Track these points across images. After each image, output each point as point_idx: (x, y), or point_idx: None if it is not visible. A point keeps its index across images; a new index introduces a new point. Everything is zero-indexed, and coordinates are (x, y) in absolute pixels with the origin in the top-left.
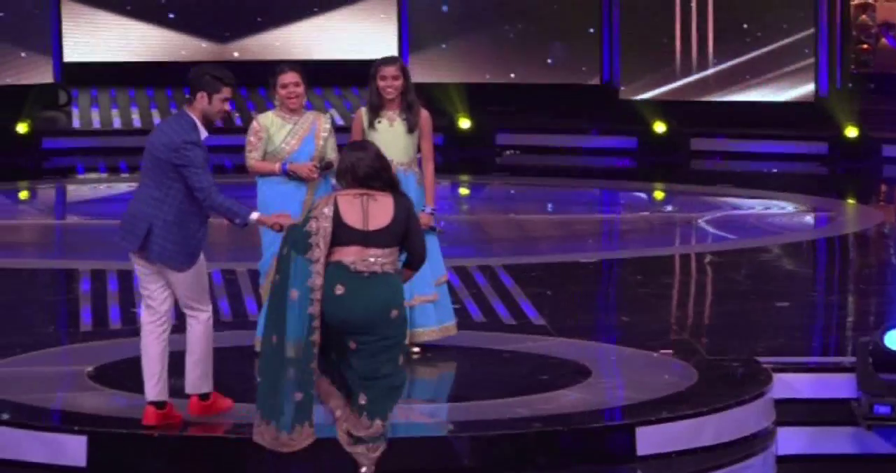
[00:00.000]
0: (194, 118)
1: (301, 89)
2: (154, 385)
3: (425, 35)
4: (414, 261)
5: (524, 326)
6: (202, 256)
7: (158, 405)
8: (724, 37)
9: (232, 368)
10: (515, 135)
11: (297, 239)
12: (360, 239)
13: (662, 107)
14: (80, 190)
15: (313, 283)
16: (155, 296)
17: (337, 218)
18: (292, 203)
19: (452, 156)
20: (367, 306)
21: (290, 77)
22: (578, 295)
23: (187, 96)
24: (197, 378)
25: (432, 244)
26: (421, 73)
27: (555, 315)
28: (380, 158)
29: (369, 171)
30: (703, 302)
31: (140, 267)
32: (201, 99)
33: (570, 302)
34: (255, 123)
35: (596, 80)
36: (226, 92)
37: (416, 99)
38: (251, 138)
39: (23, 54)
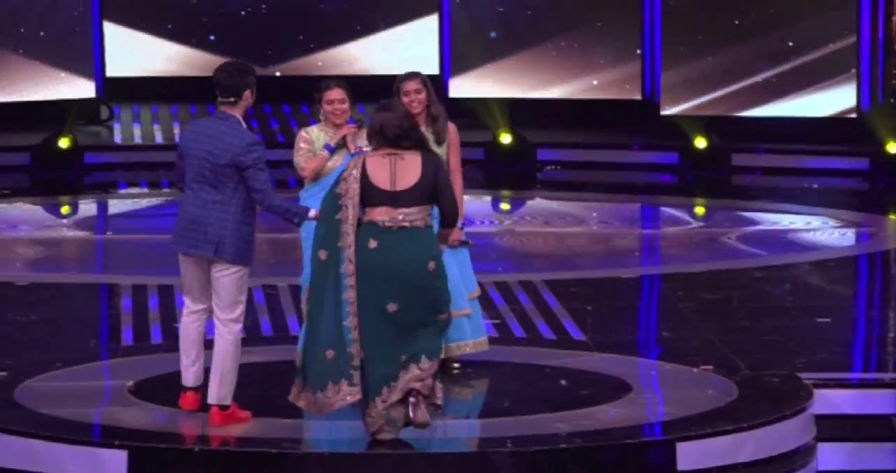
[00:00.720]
0: (240, 118)
1: (346, 105)
2: (194, 370)
3: (467, 52)
4: (447, 218)
5: (565, 341)
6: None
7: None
8: (765, 51)
9: (267, 383)
10: (556, 150)
11: (328, 202)
12: (388, 199)
13: (703, 123)
14: (122, 204)
15: (344, 242)
16: (200, 298)
17: (365, 179)
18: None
19: (494, 171)
20: (404, 257)
21: (336, 93)
22: (619, 311)
23: (223, 99)
24: (222, 389)
25: (464, 258)
26: (462, 89)
27: (595, 330)
28: (408, 118)
29: (398, 132)
30: (744, 317)
31: (193, 272)
32: (248, 97)
33: (610, 317)
34: (302, 132)
35: (637, 96)
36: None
37: (443, 111)
38: (301, 145)
39: (62, 74)
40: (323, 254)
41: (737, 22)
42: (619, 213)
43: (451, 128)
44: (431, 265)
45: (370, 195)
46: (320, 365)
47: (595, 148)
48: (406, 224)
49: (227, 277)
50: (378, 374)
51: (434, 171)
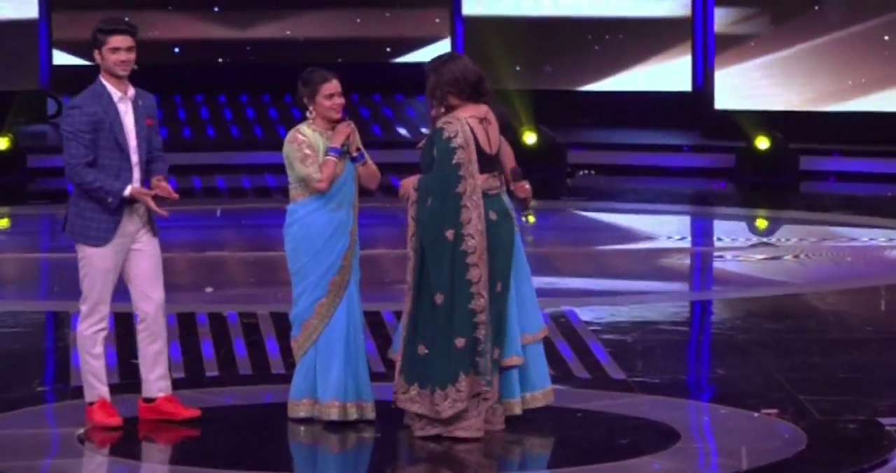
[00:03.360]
0: (102, 80)
1: (343, 99)
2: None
3: (485, 34)
4: (513, 173)
5: (600, 380)
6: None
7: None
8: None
9: (247, 430)
10: (590, 152)
11: (445, 174)
12: (489, 164)
13: (765, 119)
14: None
15: (465, 216)
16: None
17: (476, 144)
18: (343, 234)
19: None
20: (510, 227)
21: (334, 86)
22: (665, 343)
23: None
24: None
25: (523, 284)
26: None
27: (637, 366)
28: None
29: (480, 76)
30: (815, 351)
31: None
32: (97, 57)
33: (654, 350)
34: (299, 135)
35: (686, 87)
36: (114, 41)
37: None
38: (306, 151)
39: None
40: (451, 234)
41: (816, 7)
42: (665, 227)
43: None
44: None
45: (479, 162)
46: (449, 354)
47: (636, 149)
48: (502, 189)
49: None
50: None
51: (503, 128)
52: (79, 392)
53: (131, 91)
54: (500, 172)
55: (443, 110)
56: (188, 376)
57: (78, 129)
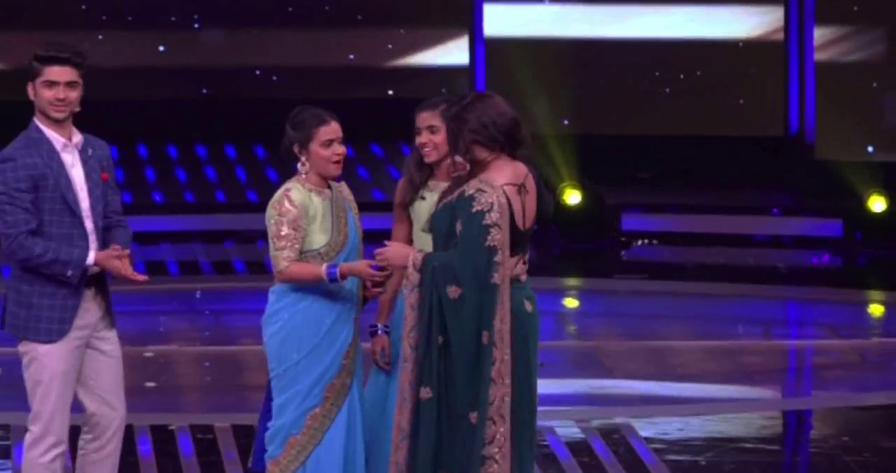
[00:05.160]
0: (37, 124)
1: (345, 148)
2: None
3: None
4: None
5: None
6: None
7: None
8: None
9: None
10: (650, 215)
11: (482, 264)
12: (521, 245)
13: (881, 173)
14: None
15: (498, 317)
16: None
17: (511, 219)
18: (345, 324)
19: (554, 247)
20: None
21: (333, 130)
22: (750, 466)
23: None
24: None
25: None
26: None
27: None
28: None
29: (517, 121)
30: None
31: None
32: (30, 92)
33: None
34: (286, 203)
35: (777, 131)
36: (50, 72)
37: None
38: (287, 230)
39: None
40: (486, 337)
41: None
42: (749, 314)
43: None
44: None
45: (510, 241)
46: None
47: (709, 212)
48: (526, 275)
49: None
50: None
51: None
52: None
53: (77, 137)
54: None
55: (468, 166)
56: None
57: (14, 189)
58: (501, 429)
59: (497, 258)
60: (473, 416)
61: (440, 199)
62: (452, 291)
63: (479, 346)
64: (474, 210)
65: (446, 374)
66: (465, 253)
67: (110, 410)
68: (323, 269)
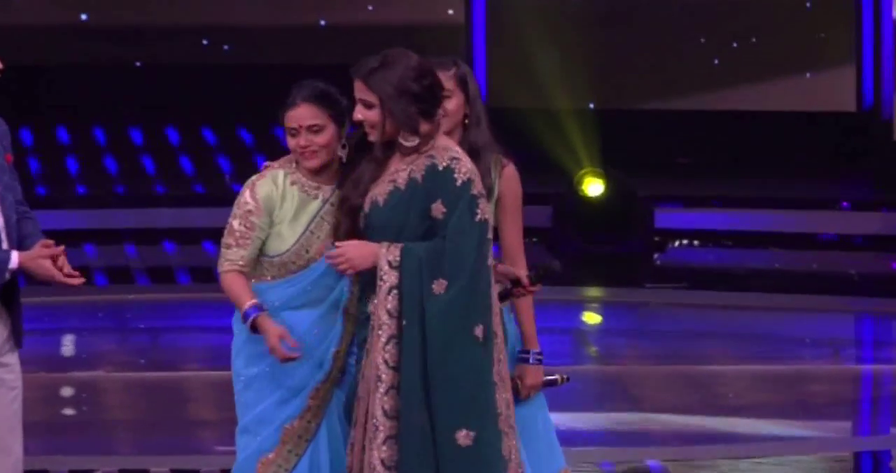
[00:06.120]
0: None
1: (325, 138)
2: None
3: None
4: None
5: None
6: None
7: None
8: None
9: None
10: (690, 211)
11: (462, 249)
12: None
13: None
14: None
15: (493, 304)
16: None
17: None
18: (309, 356)
19: (570, 249)
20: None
21: (299, 115)
22: None
23: None
24: None
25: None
26: (505, 92)
27: None
28: None
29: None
30: None
31: None
32: None
33: None
34: (246, 193)
35: (848, 106)
36: None
37: (491, 139)
38: (237, 226)
39: None
40: (480, 331)
41: None
42: (813, 331)
43: (509, 172)
44: None
45: None
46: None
47: (763, 206)
48: None
49: None
50: None
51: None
52: None
53: None
54: None
55: (417, 141)
56: None
57: None
58: (514, 442)
59: (489, 234)
60: (464, 436)
61: (355, 190)
62: (437, 285)
63: (474, 345)
64: (459, 182)
65: (437, 391)
66: (461, 236)
67: (2, 453)
68: (246, 303)
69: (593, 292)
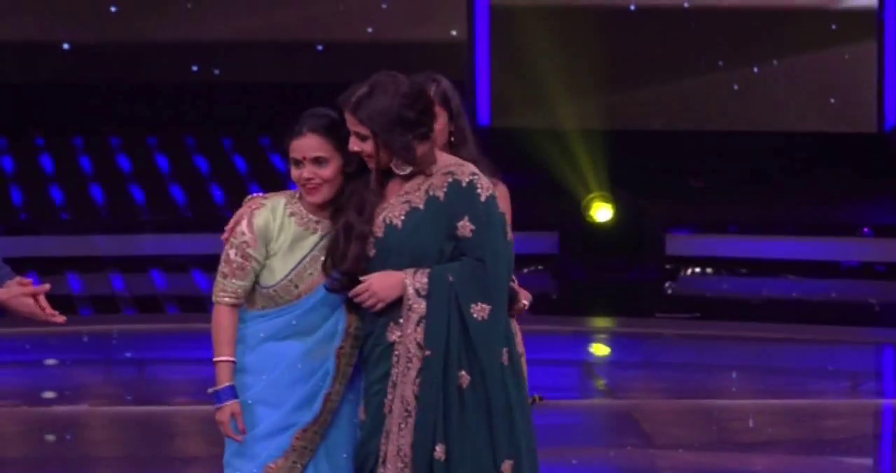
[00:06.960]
0: None
1: (330, 171)
2: None
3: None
4: None
5: None
6: None
7: None
8: None
9: None
10: (703, 236)
11: (500, 271)
12: None
13: None
14: None
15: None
16: None
17: None
18: (314, 371)
19: (578, 277)
20: None
21: (303, 146)
22: None
23: None
24: None
25: None
26: (507, 114)
27: None
28: None
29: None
30: None
31: None
32: None
33: None
34: (242, 223)
35: (868, 127)
36: None
37: (479, 156)
38: (234, 257)
39: None
40: (505, 356)
41: None
42: (832, 364)
43: (500, 191)
44: None
45: None
46: None
47: (780, 232)
48: None
49: None
50: None
51: None
52: None
53: None
54: None
55: (409, 170)
56: None
57: None
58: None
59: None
60: (507, 466)
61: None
62: (479, 310)
63: (504, 371)
64: (483, 197)
65: (470, 422)
66: (498, 258)
67: None
68: (225, 379)
69: (601, 322)
